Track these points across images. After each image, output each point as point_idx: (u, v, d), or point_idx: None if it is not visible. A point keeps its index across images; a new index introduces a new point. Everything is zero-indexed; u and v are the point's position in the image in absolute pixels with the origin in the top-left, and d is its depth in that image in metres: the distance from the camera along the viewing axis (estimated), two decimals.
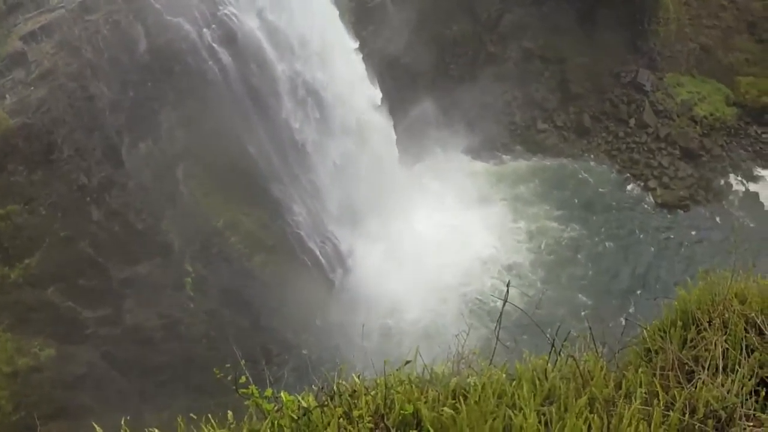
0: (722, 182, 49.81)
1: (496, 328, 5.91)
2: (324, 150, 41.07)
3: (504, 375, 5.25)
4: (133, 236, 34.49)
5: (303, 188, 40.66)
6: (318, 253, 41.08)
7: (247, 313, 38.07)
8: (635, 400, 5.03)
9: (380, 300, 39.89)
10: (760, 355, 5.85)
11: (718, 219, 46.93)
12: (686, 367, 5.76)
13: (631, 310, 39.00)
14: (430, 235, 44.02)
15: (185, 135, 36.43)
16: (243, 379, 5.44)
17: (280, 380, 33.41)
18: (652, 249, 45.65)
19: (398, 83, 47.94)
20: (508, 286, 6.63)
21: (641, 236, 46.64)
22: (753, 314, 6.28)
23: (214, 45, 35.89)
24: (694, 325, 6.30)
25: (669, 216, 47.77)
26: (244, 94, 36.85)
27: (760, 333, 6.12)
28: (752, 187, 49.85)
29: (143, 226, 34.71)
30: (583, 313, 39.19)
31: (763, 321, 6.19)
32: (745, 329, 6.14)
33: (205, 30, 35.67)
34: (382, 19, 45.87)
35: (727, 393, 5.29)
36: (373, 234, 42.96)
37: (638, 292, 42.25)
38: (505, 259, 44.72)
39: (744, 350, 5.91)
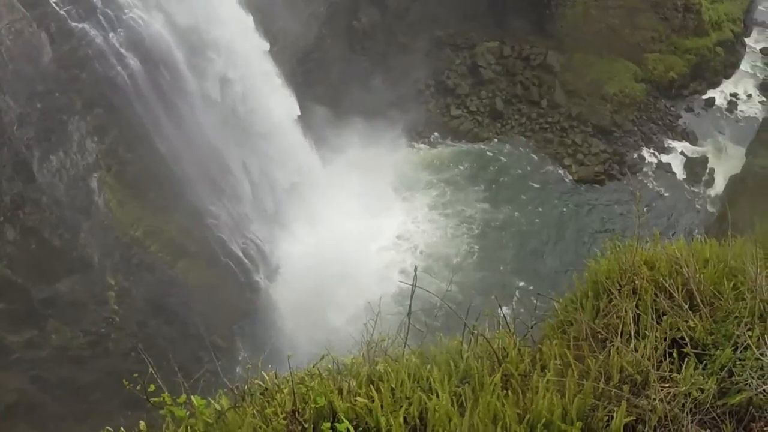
0: (635, 155, 51.38)
1: (408, 312, 5.91)
2: (239, 152, 40.44)
3: (417, 359, 5.24)
4: (50, 253, 33.25)
5: (221, 190, 39.89)
6: (241, 255, 40.30)
7: (175, 322, 37.22)
8: (549, 372, 5.07)
9: (310, 300, 39.30)
10: (671, 318, 5.96)
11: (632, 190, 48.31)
12: (600, 336, 5.84)
13: (552, 286, 39.63)
14: (360, 232, 43.50)
15: (97, 144, 35.35)
16: (152, 387, 5.27)
17: (211, 386, 32.84)
18: (574, 225, 46.74)
19: (310, 78, 47.60)
20: (415, 270, 6.65)
21: (563, 213, 47.65)
22: (662, 279, 6.40)
23: (122, 50, 34.84)
24: (605, 294, 6.40)
25: (587, 192, 48.98)
26: (155, 98, 35.94)
27: (670, 296, 6.24)
28: (664, 158, 51.67)
29: (60, 242, 33.49)
30: (509, 292, 39.69)
31: (671, 284, 6.31)
32: (655, 294, 6.26)
33: (111, 34, 34.58)
34: (292, 15, 45.39)
35: (641, 357, 5.37)
36: (298, 235, 42.37)
37: (563, 267, 43.10)
38: (442, 248, 44.74)
39: (655, 315, 6.03)
